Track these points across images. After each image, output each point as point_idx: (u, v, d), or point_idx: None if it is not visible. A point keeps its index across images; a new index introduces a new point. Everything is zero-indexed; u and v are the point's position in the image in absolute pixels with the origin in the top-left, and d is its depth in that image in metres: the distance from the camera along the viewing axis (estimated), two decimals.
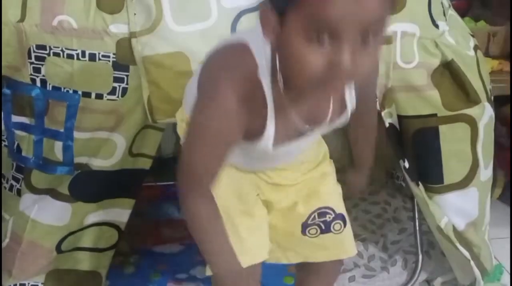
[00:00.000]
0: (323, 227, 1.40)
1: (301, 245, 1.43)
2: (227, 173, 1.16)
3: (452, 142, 1.71)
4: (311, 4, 0.84)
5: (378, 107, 1.65)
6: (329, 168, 1.47)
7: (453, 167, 1.74)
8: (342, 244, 1.43)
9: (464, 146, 1.73)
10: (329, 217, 1.40)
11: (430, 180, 1.75)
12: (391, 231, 2.24)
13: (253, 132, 1.08)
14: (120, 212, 1.71)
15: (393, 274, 1.99)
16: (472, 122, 1.70)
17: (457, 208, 1.79)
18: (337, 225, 1.41)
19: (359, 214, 2.37)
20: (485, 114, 1.73)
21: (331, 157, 2.60)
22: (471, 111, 1.69)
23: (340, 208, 1.43)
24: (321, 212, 1.41)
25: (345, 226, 1.42)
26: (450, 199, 1.77)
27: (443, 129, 1.69)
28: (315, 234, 1.41)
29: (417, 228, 1.99)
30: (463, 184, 1.76)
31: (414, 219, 1.99)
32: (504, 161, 2.34)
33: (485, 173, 1.81)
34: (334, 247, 1.42)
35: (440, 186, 1.75)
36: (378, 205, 2.42)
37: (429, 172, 1.75)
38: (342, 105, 1.16)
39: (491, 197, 2.40)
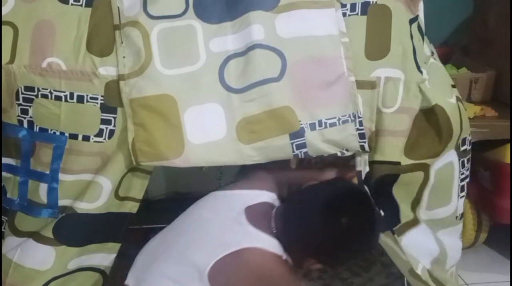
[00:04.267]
0: None
1: None
2: None
3: (403, 185, 1.71)
4: None
5: (366, 148, 1.66)
6: None
7: (403, 207, 1.75)
8: None
9: (412, 188, 1.73)
10: None
11: (392, 222, 1.74)
12: (378, 275, 2.22)
13: None
14: (105, 257, 1.68)
15: None
16: (426, 169, 1.70)
17: (419, 245, 1.78)
18: None
19: None
20: (439, 161, 1.72)
21: None
22: (431, 161, 1.69)
23: None
24: None
25: None
26: (411, 237, 1.76)
27: (402, 177, 1.70)
28: None
29: None
30: (415, 222, 1.76)
31: None
32: (488, 205, 2.35)
33: (427, 213, 1.78)
34: None
35: (399, 226, 1.75)
36: None
37: (389, 214, 1.73)
38: None
39: (476, 241, 2.42)
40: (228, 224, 1.49)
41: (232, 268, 1.41)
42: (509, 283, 2.25)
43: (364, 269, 2.28)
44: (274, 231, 1.48)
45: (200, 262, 1.43)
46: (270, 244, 1.45)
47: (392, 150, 1.67)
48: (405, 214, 1.75)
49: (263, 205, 1.55)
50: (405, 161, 1.67)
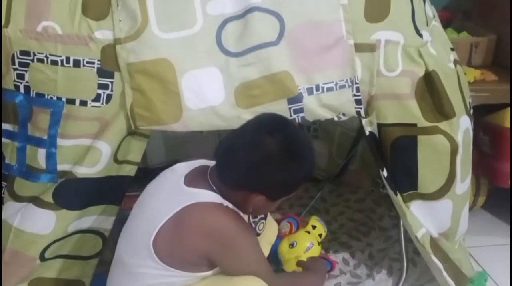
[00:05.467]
0: None
1: None
2: None
3: (430, 153, 1.71)
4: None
5: (362, 114, 1.66)
6: None
7: (428, 177, 1.74)
8: None
9: (443, 158, 1.73)
10: None
11: (404, 187, 1.75)
12: (377, 239, 2.24)
13: None
14: (104, 219, 1.70)
15: (379, 281, 1.99)
16: (449, 136, 1.70)
17: (428, 217, 1.79)
18: None
19: (344, 221, 2.37)
20: (460, 128, 1.73)
21: (319, 165, 2.60)
22: (445, 125, 1.69)
23: None
24: None
25: None
26: (422, 207, 1.77)
27: (421, 139, 1.69)
28: None
29: (402, 236, 1.99)
30: (436, 195, 1.76)
31: (399, 226, 2.00)
32: (487, 170, 2.35)
33: (461, 186, 1.80)
34: None
35: (412, 192, 1.75)
36: (364, 213, 2.42)
37: (404, 178, 1.75)
38: None
39: (475, 205, 2.44)
40: (168, 193, 1.48)
41: (174, 229, 1.40)
42: (507, 246, 2.28)
43: (363, 234, 2.30)
44: (213, 187, 1.46)
45: (146, 236, 1.42)
46: (209, 197, 1.44)
47: (401, 111, 1.66)
48: (429, 186, 1.75)
49: (200, 168, 1.54)
50: (422, 123, 1.67)
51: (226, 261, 1.47)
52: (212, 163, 1.55)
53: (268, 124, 1.44)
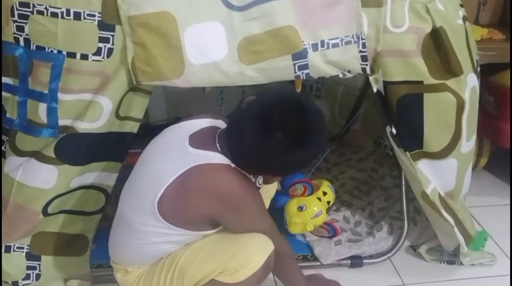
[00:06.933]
0: None
1: None
2: None
3: (436, 111, 1.71)
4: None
5: (368, 71, 1.64)
6: None
7: (434, 136, 1.74)
8: None
9: (449, 116, 1.72)
10: None
11: (409, 145, 1.75)
12: (378, 198, 2.25)
13: None
14: (107, 175, 1.70)
15: (379, 239, 2.01)
16: (456, 94, 1.69)
17: (435, 177, 1.80)
18: None
19: (346, 180, 2.38)
20: (467, 85, 1.72)
21: None
22: (452, 82, 1.68)
23: None
24: None
25: None
26: (428, 166, 1.78)
27: (427, 97, 1.69)
28: None
29: (404, 195, 2.00)
30: (442, 154, 1.76)
31: (401, 186, 2.00)
32: (490, 130, 2.34)
33: (467, 145, 1.80)
34: None
35: (418, 151, 1.75)
36: (365, 172, 2.43)
37: (409, 137, 1.75)
38: None
39: (476, 166, 2.44)
40: (173, 154, 1.48)
41: (179, 190, 1.42)
42: (507, 206, 2.29)
43: (364, 193, 2.31)
44: (220, 150, 1.46)
45: (151, 196, 1.44)
46: (215, 158, 1.44)
47: (407, 69, 1.65)
48: (435, 144, 1.75)
49: (207, 129, 1.54)
50: (428, 81, 1.66)
51: (232, 221, 1.49)
52: (218, 122, 1.55)
53: (283, 106, 1.39)
